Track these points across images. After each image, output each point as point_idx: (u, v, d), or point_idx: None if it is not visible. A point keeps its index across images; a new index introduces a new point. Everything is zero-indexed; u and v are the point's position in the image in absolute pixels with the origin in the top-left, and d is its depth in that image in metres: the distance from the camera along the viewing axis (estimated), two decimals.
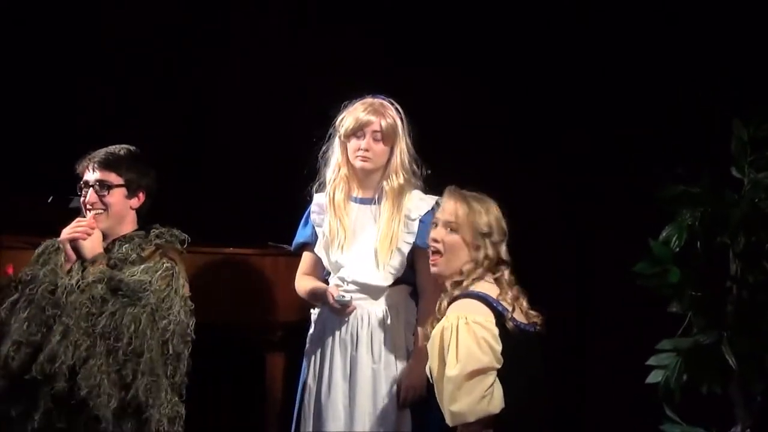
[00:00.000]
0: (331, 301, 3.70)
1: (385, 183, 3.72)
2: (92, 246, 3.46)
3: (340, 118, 3.76)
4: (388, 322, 3.71)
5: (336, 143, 3.78)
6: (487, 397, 3.10)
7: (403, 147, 3.75)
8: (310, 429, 3.73)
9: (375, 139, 3.69)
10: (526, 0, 5.19)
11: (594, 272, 5.01)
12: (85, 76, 5.67)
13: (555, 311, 4.96)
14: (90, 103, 5.77)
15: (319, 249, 3.82)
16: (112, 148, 3.58)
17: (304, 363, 3.88)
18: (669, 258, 3.62)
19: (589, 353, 4.93)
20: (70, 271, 3.48)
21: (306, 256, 3.90)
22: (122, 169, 3.54)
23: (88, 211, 3.54)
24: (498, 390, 3.13)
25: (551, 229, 5.01)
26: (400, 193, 3.72)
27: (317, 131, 4.23)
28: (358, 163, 3.72)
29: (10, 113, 5.65)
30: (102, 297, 3.37)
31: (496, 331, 3.19)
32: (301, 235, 3.89)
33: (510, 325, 3.26)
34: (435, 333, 3.20)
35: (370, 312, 3.71)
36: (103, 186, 3.52)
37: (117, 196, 3.53)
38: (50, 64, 5.67)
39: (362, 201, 3.81)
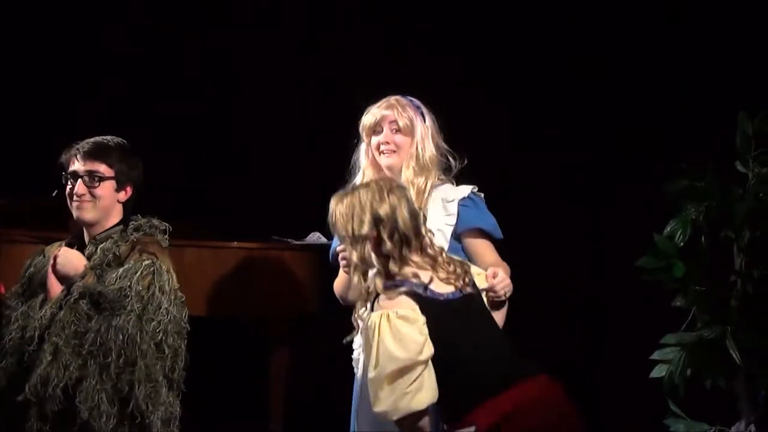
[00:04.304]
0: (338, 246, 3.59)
1: (402, 175, 3.75)
2: (74, 265, 3.36)
3: (361, 122, 3.78)
4: None
5: (362, 149, 3.80)
6: (409, 394, 3.02)
7: (421, 141, 3.75)
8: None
9: (393, 130, 3.71)
10: None
11: (600, 268, 5.08)
12: (95, 78, 5.88)
13: (563, 309, 5.03)
14: (96, 102, 5.91)
15: None
16: (100, 139, 3.45)
17: (354, 367, 3.85)
18: (673, 252, 3.72)
19: (595, 349, 5.00)
20: (43, 306, 3.37)
21: None
22: (112, 160, 3.42)
23: (73, 203, 3.42)
24: (428, 381, 3.04)
25: (558, 226, 5.10)
26: (420, 187, 3.73)
27: (326, 129, 4.29)
28: (383, 160, 3.74)
29: (15, 111, 5.78)
30: (87, 313, 3.28)
31: (422, 319, 3.08)
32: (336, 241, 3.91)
33: (440, 305, 3.14)
34: (362, 330, 3.14)
35: None
36: (93, 177, 3.39)
37: (106, 189, 3.41)
38: (57, 61, 5.84)
39: None
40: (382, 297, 3.08)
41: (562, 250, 5.08)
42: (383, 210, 3.15)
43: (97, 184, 3.36)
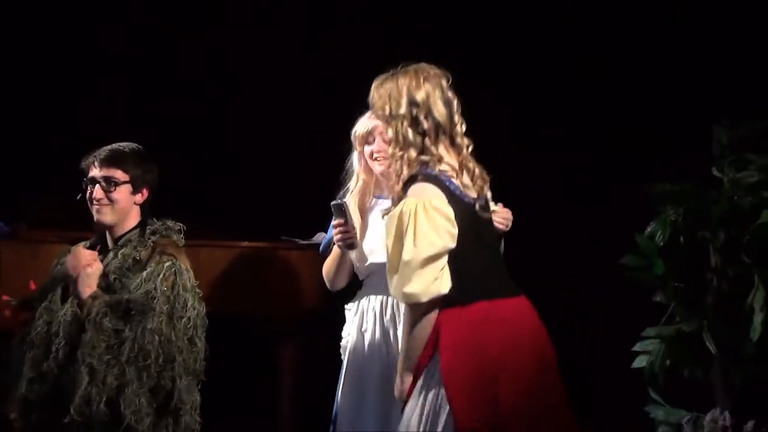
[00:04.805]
0: (333, 221, 4.04)
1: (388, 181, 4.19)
2: (85, 285, 3.71)
3: (353, 131, 4.21)
4: None
5: (355, 156, 4.24)
6: (438, 278, 3.40)
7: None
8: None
9: (384, 140, 4.03)
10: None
11: (600, 267, 5.26)
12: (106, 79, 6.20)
13: (562, 309, 5.28)
14: (96, 102, 6.22)
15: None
16: (116, 146, 3.84)
17: (342, 351, 4.27)
18: (654, 251, 4.19)
19: (580, 340, 5.27)
20: (66, 299, 3.76)
21: (333, 251, 4.33)
22: (128, 165, 3.80)
23: (93, 206, 3.85)
24: (447, 271, 3.42)
25: (558, 226, 5.44)
26: (396, 187, 4.13)
27: (326, 129, 4.65)
28: (377, 168, 4.16)
29: (15, 111, 6.08)
30: (114, 329, 3.63)
31: (451, 213, 3.44)
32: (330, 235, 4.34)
33: (463, 204, 3.55)
34: (393, 214, 3.47)
35: None
36: (110, 183, 3.78)
37: (123, 193, 3.79)
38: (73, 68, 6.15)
39: (381, 197, 4.27)
40: (414, 187, 3.47)
41: (561, 250, 5.40)
42: (419, 95, 3.50)
43: (113, 188, 3.76)
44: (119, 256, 3.78)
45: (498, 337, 3.43)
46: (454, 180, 3.50)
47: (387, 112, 3.54)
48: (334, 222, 4.04)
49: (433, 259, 3.40)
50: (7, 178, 6.05)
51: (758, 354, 4.24)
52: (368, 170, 4.18)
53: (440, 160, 3.49)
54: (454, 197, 3.48)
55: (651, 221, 4.24)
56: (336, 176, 4.26)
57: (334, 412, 4.16)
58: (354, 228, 4.05)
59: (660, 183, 4.21)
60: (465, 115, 4.74)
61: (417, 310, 3.43)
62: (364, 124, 4.14)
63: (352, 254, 4.15)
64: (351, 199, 4.22)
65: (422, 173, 3.48)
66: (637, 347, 4.22)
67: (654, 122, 5.23)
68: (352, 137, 4.16)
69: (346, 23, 6.14)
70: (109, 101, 6.37)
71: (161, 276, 3.67)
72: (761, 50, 5.01)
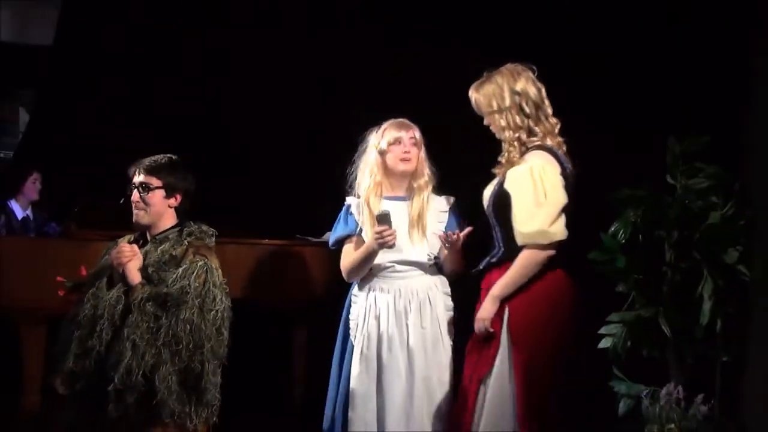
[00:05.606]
0: (377, 227, 4.90)
1: (414, 182, 5.26)
2: (132, 274, 4.70)
3: (377, 138, 5.23)
4: (432, 293, 5.25)
5: (371, 157, 5.24)
6: (564, 226, 4.51)
7: (425, 155, 5.31)
8: (373, 391, 5.07)
9: (412, 144, 5.23)
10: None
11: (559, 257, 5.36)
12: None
13: None
14: (96, 102, 7.22)
15: (365, 237, 5.18)
16: (155, 157, 4.89)
17: (354, 336, 5.11)
18: (617, 248, 5.02)
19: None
20: (111, 286, 4.73)
21: (349, 246, 5.16)
22: (162, 173, 4.83)
23: (134, 207, 4.79)
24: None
25: None
26: (423, 189, 5.27)
27: (325, 129, 5.67)
28: (400, 167, 5.19)
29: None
30: (154, 314, 4.61)
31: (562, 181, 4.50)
32: (344, 230, 5.21)
33: (567, 177, 4.58)
34: (523, 170, 4.49)
35: (418, 285, 5.25)
36: (145, 188, 4.81)
37: (157, 197, 4.82)
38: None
39: (395, 198, 5.29)
40: (533, 153, 4.53)
41: (560, 251, 5.82)
42: (518, 86, 4.62)
43: (147, 193, 4.82)
44: (158, 251, 4.84)
45: (562, 301, 4.61)
46: (560, 153, 4.55)
47: (494, 107, 4.64)
48: (377, 228, 4.99)
49: (565, 209, 4.55)
50: (59, 184, 7.12)
51: (707, 336, 5.03)
52: (385, 171, 5.18)
53: (547, 134, 4.59)
54: (564, 170, 4.57)
55: (614, 222, 5.08)
56: (333, 176, 5.07)
57: (344, 393, 5.08)
58: (395, 231, 5.01)
59: (621, 188, 5.03)
60: (466, 114, 5.35)
61: (544, 249, 4.57)
62: (394, 130, 5.20)
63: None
64: (363, 197, 5.17)
65: (542, 146, 4.56)
66: (602, 330, 5.07)
67: (655, 122, 5.84)
68: (377, 142, 5.17)
69: (346, 23, 7.13)
70: (109, 101, 7.35)
71: (194, 273, 4.73)
72: (710, 69, 5.78)
